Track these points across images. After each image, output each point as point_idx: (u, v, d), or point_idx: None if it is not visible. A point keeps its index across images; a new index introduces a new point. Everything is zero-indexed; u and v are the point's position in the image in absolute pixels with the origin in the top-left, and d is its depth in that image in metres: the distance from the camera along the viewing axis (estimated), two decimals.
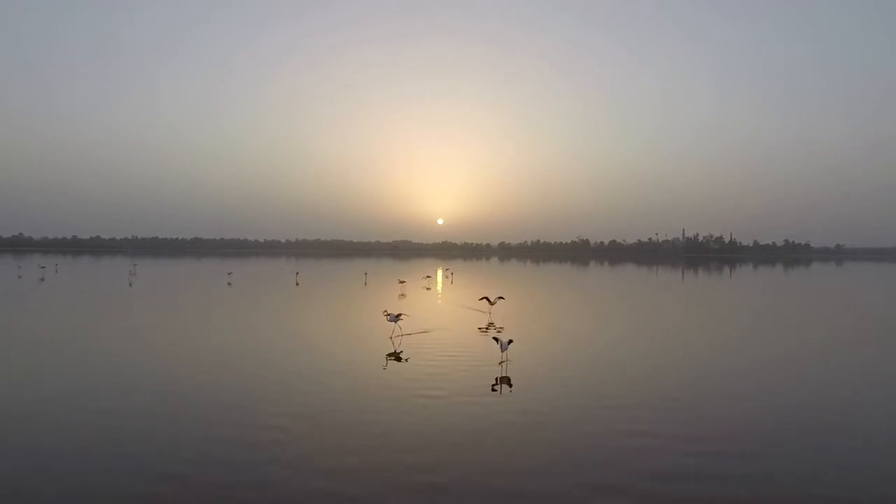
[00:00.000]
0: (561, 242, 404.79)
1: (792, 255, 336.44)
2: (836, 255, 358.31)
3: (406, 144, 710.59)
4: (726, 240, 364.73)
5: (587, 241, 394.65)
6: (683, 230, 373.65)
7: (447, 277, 58.75)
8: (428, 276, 53.84)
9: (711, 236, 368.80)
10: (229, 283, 42.18)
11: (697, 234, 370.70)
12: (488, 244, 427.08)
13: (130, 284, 40.31)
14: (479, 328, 19.30)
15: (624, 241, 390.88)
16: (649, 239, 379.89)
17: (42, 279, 45.56)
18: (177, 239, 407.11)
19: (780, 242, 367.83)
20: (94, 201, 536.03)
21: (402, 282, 43.25)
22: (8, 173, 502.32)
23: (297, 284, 42.73)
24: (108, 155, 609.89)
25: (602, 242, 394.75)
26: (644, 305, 29.19)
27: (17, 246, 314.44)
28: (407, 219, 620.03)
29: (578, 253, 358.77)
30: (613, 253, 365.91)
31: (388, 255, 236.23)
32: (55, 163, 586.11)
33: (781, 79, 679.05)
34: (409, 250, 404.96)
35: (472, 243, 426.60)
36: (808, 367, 13.47)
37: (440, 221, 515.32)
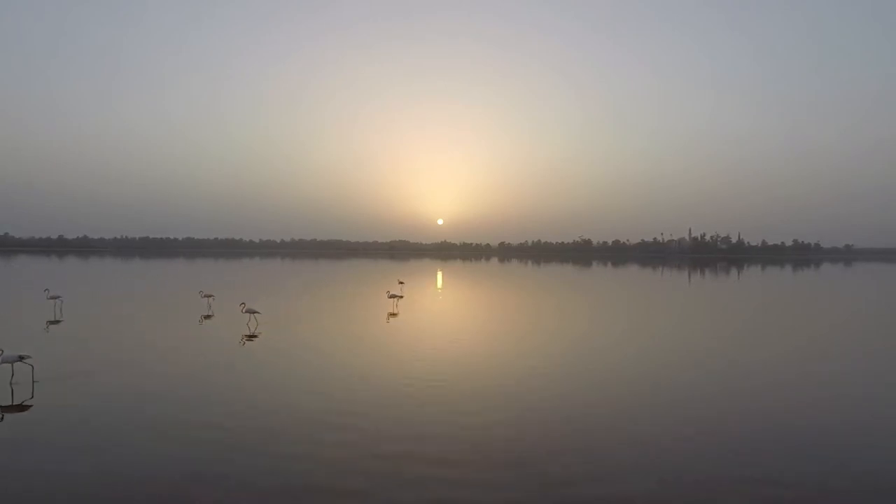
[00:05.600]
0: (562, 242, 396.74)
1: (801, 255, 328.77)
2: (846, 255, 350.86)
3: (406, 144, 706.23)
4: (734, 240, 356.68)
5: (589, 242, 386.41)
6: (690, 230, 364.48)
7: (393, 298, 29.83)
8: (245, 306, 20.95)
9: (718, 236, 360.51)
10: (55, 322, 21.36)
11: (704, 234, 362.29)
12: (488, 244, 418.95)
13: None
14: None
15: (627, 241, 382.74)
16: (654, 239, 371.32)
17: None
18: (167, 238, 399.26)
19: (788, 242, 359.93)
20: (86, 200, 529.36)
21: (401, 283, 39.98)
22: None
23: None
24: (104, 154, 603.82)
25: (605, 242, 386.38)
26: (635, 315, 25.46)
27: (2, 246, 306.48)
28: (407, 219, 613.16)
29: (581, 253, 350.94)
30: (617, 253, 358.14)
31: (386, 256, 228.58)
32: (47, 161, 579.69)
33: (783, 77, 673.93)
34: (406, 251, 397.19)
35: (471, 243, 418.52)
36: (806, 373, 13.29)
37: (440, 222, 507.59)
